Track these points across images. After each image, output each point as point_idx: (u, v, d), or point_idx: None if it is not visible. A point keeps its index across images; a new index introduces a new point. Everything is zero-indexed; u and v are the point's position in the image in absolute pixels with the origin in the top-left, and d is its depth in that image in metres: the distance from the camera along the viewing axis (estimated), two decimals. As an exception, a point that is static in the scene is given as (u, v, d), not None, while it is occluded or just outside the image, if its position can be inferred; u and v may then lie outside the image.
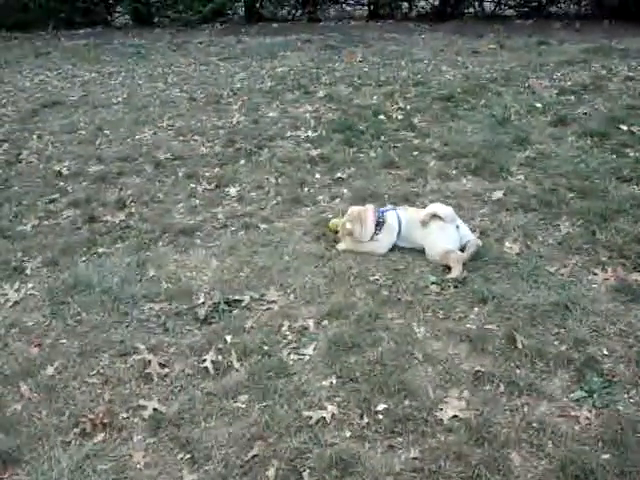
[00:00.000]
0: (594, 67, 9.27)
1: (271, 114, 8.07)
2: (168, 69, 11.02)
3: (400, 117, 7.69)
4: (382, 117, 7.75)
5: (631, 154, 6.36)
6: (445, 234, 4.82)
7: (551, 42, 10.87)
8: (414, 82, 8.94)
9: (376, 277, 4.64)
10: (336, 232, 5.13)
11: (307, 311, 4.35)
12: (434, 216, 4.87)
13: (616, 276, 4.55)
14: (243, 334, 4.18)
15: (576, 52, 9.97)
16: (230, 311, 4.40)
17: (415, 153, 6.67)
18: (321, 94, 8.60)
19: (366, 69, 9.76)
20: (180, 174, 6.52)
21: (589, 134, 6.83)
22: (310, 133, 7.35)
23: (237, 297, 4.52)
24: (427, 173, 6.21)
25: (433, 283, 4.58)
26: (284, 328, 4.21)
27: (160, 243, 5.32)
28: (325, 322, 4.25)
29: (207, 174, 6.50)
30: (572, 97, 8.08)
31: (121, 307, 4.48)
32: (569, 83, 8.57)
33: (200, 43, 13.20)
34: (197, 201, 6.00)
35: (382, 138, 7.12)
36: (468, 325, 4.14)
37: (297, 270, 4.78)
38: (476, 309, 4.28)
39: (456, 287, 4.51)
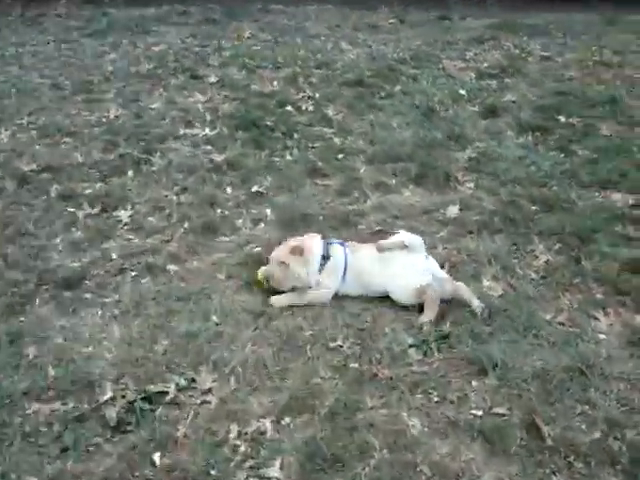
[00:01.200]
0: (505, 45, 8.60)
1: (155, 105, 6.66)
2: (22, 49, 9.09)
3: (310, 108, 6.58)
4: (290, 108, 6.60)
5: (580, 152, 5.68)
6: (414, 267, 3.88)
7: (452, 17, 10.08)
8: (316, 64, 7.81)
9: (338, 342, 3.56)
10: (267, 283, 3.97)
11: (258, 404, 3.21)
12: (396, 246, 3.94)
13: (621, 320, 3.72)
14: (176, 449, 2.95)
15: (482, 28, 9.26)
16: (152, 410, 3.15)
17: (340, 156, 5.60)
18: (212, 79, 7.28)
19: (258, 47, 8.51)
20: (52, 193, 5.05)
21: (527, 127, 6.08)
22: (208, 131, 6.07)
23: (158, 387, 3.25)
24: (361, 183, 5.17)
25: (412, 346, 3.54)
26: (232, 435, 3.07)
27: (37, 301, 3.94)
28: (287, 420, 3.12)
29: (87, 192, 5.09)
30: (493, 82, 7.35)
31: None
32: (485, 65, 7.81)
33: (58, 16, 11.15)
34: (79, 233, 4.62)
35: (295, 136, 5.98)
36: (474, 411, 3.16)
37: (232, 337, 3.62)
38: (475, 383, 3.31)
39: (439, 350, 3.48)
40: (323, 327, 3.70)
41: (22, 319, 3.81)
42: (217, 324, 3.72)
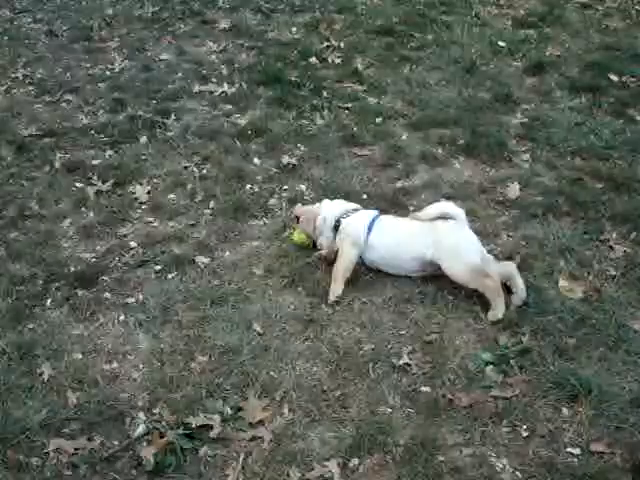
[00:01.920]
0: (540, -11, 7.73)
1: (164, 56, 5.97)
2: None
3: (337, 61, 5.92)
4: (314, 60, 5.93)
5: (638, 117, 5.05)
6: (470, 242, 3.40)
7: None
8: (337, 7, 7.06)
9: (404, 359, 3.04)
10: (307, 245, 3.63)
11: (320, 441, 2.72)
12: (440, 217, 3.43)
13: None
14: (227, 502, 2.46)
15: (512, -33, 8.36)
16: (195, 449, 2.64)
17: (378, 120, 4.99)
18: (224, 25, 6.55)
19: (271, -13, 7.63)
20: (57, 164, 4.45)
21: (578, 87, 5.45)
22: (226, 87, 5.42)
23: (200, 419, 2.73)
24: (405, 153, 4.59)
25: (489, 364, 3.02)
26: (293, 483, 2.53)
27: (48, 303, 3.36)
28: (355, 462, 2.64)
29: (96, 162, 4.48)
30: (532, 32, 6.59)
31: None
32: (521, 12, 7.05)
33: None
34: (91, 214, 4.04)
35: (324, 94, 5.35)
36: (569, 449, 2.76)
37: (280, 352, 3.10)
38: (567, 411, 2.84)
39: (521, 368, 2.97)
40: (384, 339, 3.20)
41: (32, 326, 3.27)
42: (260, 334, 3.20)
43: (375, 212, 3.63)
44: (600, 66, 5.79)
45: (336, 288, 3.39)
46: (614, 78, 5.63)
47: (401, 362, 3.07)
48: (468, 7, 7.15)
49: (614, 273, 3.61)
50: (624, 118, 5.05)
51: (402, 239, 3.49)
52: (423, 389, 2.97)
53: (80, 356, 3.11)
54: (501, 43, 6.26)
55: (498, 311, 3.28)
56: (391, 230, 3.53)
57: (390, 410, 2.87)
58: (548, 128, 4.90)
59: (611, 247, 3.80)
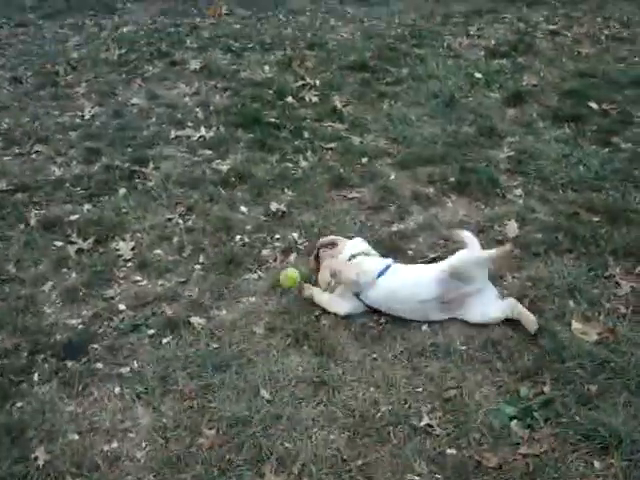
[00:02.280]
0: (507, 18, 7.84)
1: (136, 100, 5.76)
2: (-29, 35, 7.97)
3: (315, 99, 5.78)
4: (291, 99, 5.79)
5: (623, 145, 5.00)
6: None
7: (443, -14, 9.23)
8: (308, 44, 6.98)
9: (426, 420, 2.86)
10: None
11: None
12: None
13: None
14: None
15: (479, -1, 8.44)
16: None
17: (363, 160, 4.86)
18: (194, 65, 6.39)
19: (238, 26, 7.59)
20: (32, 221, 4.19)
21: (560, 117, 5.39)
22: (204, 131, 5.23)
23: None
24: (396, 194, 4.44)
25: (512, 418, 2.86)
26: None
27: (36, 378, 3.11)
28: (388, 541, 2.40)
29: (74, 217, 4.22)
30: (505, 61, 6.60)
31: None
32: (492, 42, 7.05)
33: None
34: (73, 275, 3.78)
35: (306, 135, 5.19)
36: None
37: (292, 420, 2.91)
38: (598, 465, 2.73)
39: (546, 420, 2.82)
40: (401, 398, 3.01)
41: (20, 405, 3.01)
42: (269, 401, 2.98)
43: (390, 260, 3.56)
44: (578, 94, 5.79)
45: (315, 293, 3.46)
46: (594, 106, 5.61)
47: (422, 423, 2.89)
48: (439, 39, 7.16)
49: (624, 311, 3.50)
50: (610, 147, 5.01)
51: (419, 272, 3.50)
52: (449, 452, 2.79)
53: (76, 437, 2.86)
54: (477, 75, 6.24)
55: (535, 323, 3.28)
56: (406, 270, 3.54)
57: (418, 478, 2.67)
58: (536, 161, 4.83)
59: (617, 283, 3.69)
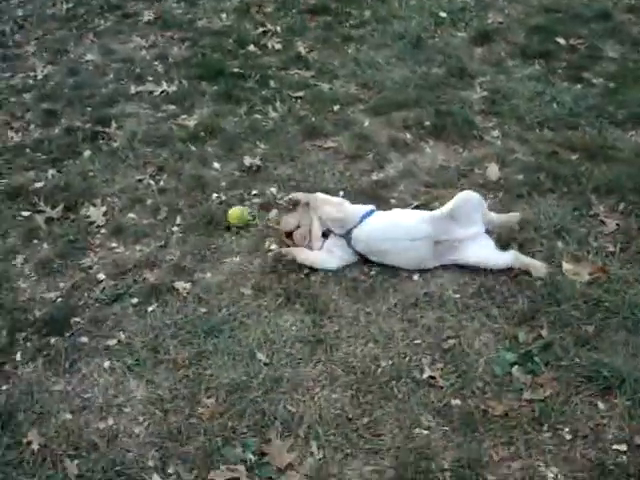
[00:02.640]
0: (466, -48, 7.56)
1: (90, 56, 5.48)
2: None
3: (278, 46, 5.57)
4: (253, 48, 5.56)
5: (594, 81, 4.99)
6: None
7: None
8: (264, -13, 6.62)
9: (428, 372, 2.83)
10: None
11: (360, 478, 2.46)
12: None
13: None
14: None
15: None
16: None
17: (335, 107, 4.71)
18: (147, 17, 6.10)
19: (189, -28, 7.15)
20: (-5, 191, 3.94)
21: (529, 54, 5.28)
22: (166, 85, 5.00)
23: (223, 474, 2.47)
24: (372, 142, 4.31)
25: (514, 364, 2.84)
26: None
27: (19, 357, 2.98)
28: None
29: (39, 185, 4.03)
30: (469, -2, 6.36)
31: None
32: (454, -21, 6.79)
33: None
34: (45, 246, 3.61)
35: (272, 84, 5.01)
36: (616, 446, 2.64)
37: (293, 382, 2.84)
38: (602, 406, 2.79)
39: (547, 364, 2.81)
40: (400, 352, 2.97)
41: (5, 387, 2.86)
42: (267, 364, 2.90)
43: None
44: (545, 30, 5.68)
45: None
46: (562, 41, 5.53)
47: (425, 376, 2.85)
48: (399, -22, 6.87)
49: (613, 249, 3.50)
50: (582, 83, 4.95)
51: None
52: (454, 402, 2.76)
53: (69, 416, 2.75)
54: (442, 14, 6.07)
55: (544, 267, 3.27)
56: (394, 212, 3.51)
57: (426, 432, 2.65)
58: (510, 100, 4.75)
59: (602, 221, 3.68)
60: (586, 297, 3.16)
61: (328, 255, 3.37)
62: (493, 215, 3.47)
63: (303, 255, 3.37)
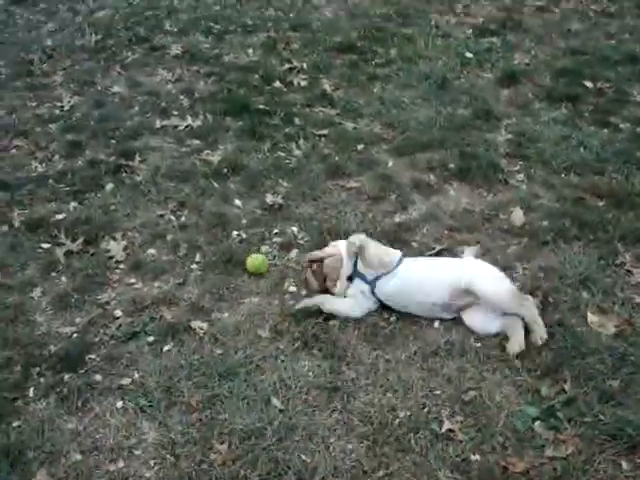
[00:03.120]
0: (493, -6, 7.61)
1: (116, 88, 5.52)
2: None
3: (303, 83, 5.58)
4: (278, 84, 5.59)
5: (621, 125, 4.89)
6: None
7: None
8: (291, 24, 6.75)
9: (447, 426, 2.75)
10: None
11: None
12: None
13: None
14: None
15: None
16: None
17: (359, 147, 4.69)
18: (175, 50, 6.14)
19: (217, 7, 7.29)
20: (16, 222, 3.98)
21: (556, 97, 5.23)
22: (190, 120, 5.01)
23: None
24: (395, 183, 4.26)
25: (536, 420, 2.75)
26: None
27: (31, 393, 2.94)
28: None
29: (60, 217, 4.03)
30: (496, 40, 6.41)
31: None
32: (480, 19, 6.86)
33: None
34: (63, 279, 3.59)
35: (297, 121, 5.00)
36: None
37: (308, 430, 2.79)
38: (626, 465, 2.70)
39: (570, 421, 2.72)
40: (419, 403, 2.89)
41: (17, 424, 2.82)
42: (282, 411, 2.83)
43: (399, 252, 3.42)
44: (572, 72, 5.67)
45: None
46: (589, 84, 5.50)
47: (444, 429, 2.76)
48: (425, 18, 6.95)
49: (639, 300, 3.38)
50: (609, 127, 4.90)
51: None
52: (473, 458, 2.68)
53: (79, 457, 2.70)
54: (468, 54, 6.07)
55: (517, 344, 3.09)
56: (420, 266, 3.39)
57: (445, 494, 2.54)
58: (536, 143, 4.70)
59: (629, 271, 3.60)
60: (611, 350, 3.07)
61: (354, 303, 3.31)
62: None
63: (328, 305, 3.30)
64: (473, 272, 3.22)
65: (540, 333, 3.09)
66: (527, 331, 3.14)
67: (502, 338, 3.15)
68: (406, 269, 3.29)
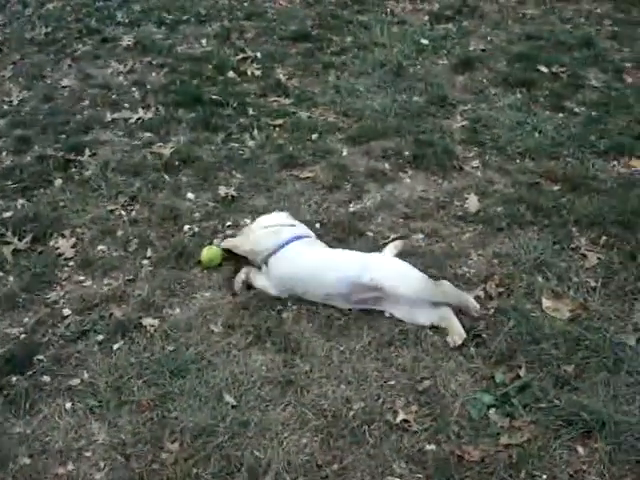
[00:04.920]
0: (449, -19, 7.57)
1: (66, 82, 5.40)
2: None
3: (257, 73, 5.50)
4: (232, 74, 5.51)
5: (576, 109, 4.92)
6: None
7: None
8: (245, 13, 6.68)
9: (401, 416, 2.71)
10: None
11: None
12: None
13: None
14: None
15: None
16: None
17: (314, 136, 4.64)
18: (127, 42, 6.03)
19: (170, -4, 7.14)
20: (-38, 220, 3.83)
21: (511, 83, 5.23)
22: (142, 112, 4.92)
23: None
24: (350, 173, 4.23)
25: (491, 407, 2.75)
26: None
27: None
28: None
29: (8, 215, 3.91)
30: (451, 26, 6.41)
31: None
32: (436, 6, 6.86)
33: None
34: (11, 279, 3.49)
35: (251, 111, 4.94)
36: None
37: (261, 426, 2.74)
38: (582, 451, 2.67)
39: (525, 407, 2.72)
40: (373, 394, 2.86)
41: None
42: (234, 406, 2.79)
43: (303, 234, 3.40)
44: (527, 57, 5.68)
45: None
46: (544, 69, 5.52)
47: (398, 419, 2.74)
48: (381, 5, 6.93)
49: (594, 284, 3.41)
50: (564, 112, 4.91)
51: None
52: (428, 448, 2.66)
53: (28, 460, 2.63)
54: (423, 41, 6.05)
55: (459, 336, 3.04)
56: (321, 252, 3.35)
57: (398, 479, 2.51)
58: (491, 129, 4.70)
59: (584, 255, 3.60)
60: (566, 335, 3.08)
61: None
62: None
63: (252, 279, 3.34)
64: (378, 269, 3.15)
65: (472, 305, 3.11)
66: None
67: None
68: (295, 253, 3.25)
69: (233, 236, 3.65)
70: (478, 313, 3.10)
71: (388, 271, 3.16)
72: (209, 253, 3.44)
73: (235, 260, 3.50)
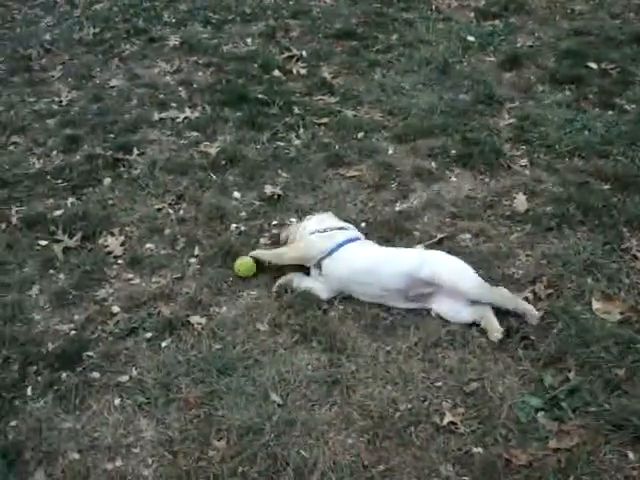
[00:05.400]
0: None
1: (115, 82, 5.48)
2: None
3: (303, 71, 5.50)
4: (277, 73, 5.51)
5: (627, 107, 4.81)
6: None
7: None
8: (290, 12, 6.67)
9: (449, 418, 2.69)
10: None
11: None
12: None
13: None
14: None
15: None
16: None
17: (359, 135, 4.61)
18: (173, 42, 6.09)
19: (217, -5, 7.19)
20: (14, 219, 3.95)
21: (559, 79, 5.11)
22: (189, 112, 4.96)
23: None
24: (396, 171, 4.19)
25: (539, 410, 2.69)
26: None
27: (29, 391, 2.99)
28: None
29: (58, 213, 3.99)
30: (498, 22, 6.31)
31: None
32: (482, 2, 6.73)
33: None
34: (61, 276, 3.56)
35: (296, 110, 4.94)
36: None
37: (307, 425, 2.76)
38: (633, 456, 2.62)
39: (574, 411, 2.66)
40: (420, 395, 2.84)
41: (14, 423, 2.79)
42: (280, 405, 2.79)
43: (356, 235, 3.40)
44: (576, 54, 5.56)
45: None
46: (593, 66, 5.40)
47: (445, 421, 2.72)
48: (427, 2, 6.86)
49: (651, 287, 3.31)
50: (614, 109, 4.81)
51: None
52: (475, 451, 2.63)
53: (77, 456, 2.67)
54: (470, 38, 5.98)
55: (498, 333, 3.04)
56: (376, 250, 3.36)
57: (444, 484, 2.50)
58: (539, 127, 4.63)
59: (635, 256, 3.53)
60: (617, 338, 3.01)
61: (317, 284, 3.31)
62: None
63: (296, 283, 3.35)
64: (438, 263, 3.16)
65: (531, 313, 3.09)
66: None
67: (505, 326, 3.08)
68: (351, 253, 3.25)
69: (278, 236, 3.66)
70: (537, 321, 3.05)
71: (448, 266, 3.16)
72: (243, 269, 3.43)
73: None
